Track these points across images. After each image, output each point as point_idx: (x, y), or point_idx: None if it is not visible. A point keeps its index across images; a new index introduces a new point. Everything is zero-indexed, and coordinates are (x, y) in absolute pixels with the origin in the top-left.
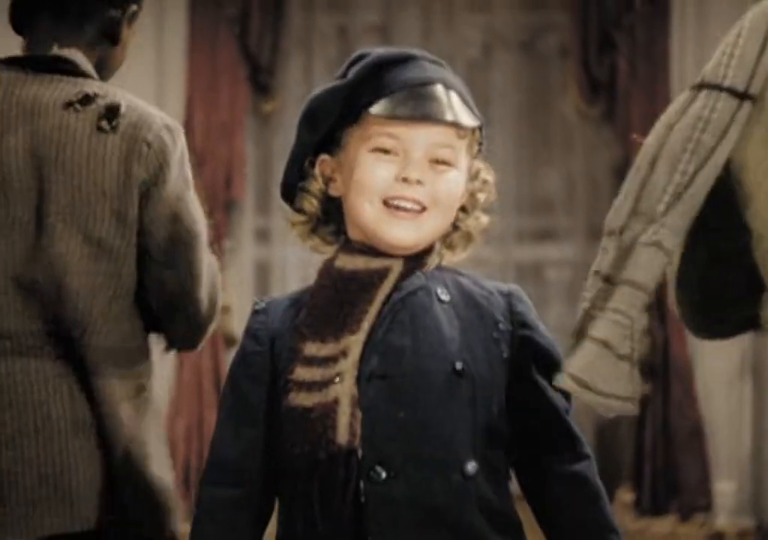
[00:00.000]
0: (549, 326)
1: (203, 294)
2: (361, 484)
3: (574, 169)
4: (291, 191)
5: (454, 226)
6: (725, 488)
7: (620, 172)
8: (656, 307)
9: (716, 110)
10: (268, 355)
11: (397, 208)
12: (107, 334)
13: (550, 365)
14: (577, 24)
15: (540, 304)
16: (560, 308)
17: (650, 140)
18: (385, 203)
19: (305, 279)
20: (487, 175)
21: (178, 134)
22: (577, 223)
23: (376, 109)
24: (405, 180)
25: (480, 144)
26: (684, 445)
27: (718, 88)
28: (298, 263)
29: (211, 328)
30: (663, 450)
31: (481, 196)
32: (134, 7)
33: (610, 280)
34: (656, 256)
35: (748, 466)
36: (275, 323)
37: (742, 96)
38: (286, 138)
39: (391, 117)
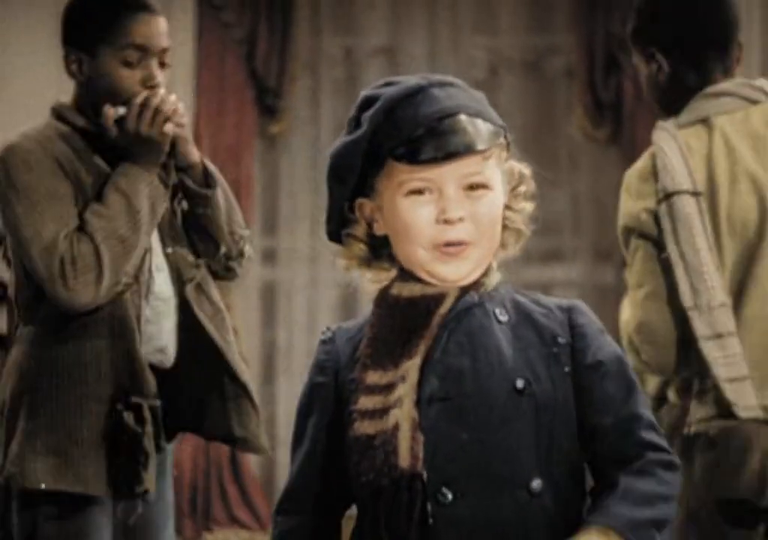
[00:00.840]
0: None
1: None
2: (429, 507)
3: (581, 191)
4: (337, 236)
5: (503, 226)
6: None
7: None
8: None
9: None
10: (333, 386)
11: (447, 250)
12: None
13: (620, 379)
14: (583, 46)
15: None
16: None
17: None
18: (435, 247)
19: (311, 299)
20: (523, 169)
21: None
22: (583, 243)
23: (400, 156)
24: (446, 222)
25: (508, 144)
26: None
27: None
28: (305, 284)
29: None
30: None
31: (522, 190)
32: None
33: None
34: None
35: None
36: (341, 353)
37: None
38: (292, 159)
39: (418, 163)
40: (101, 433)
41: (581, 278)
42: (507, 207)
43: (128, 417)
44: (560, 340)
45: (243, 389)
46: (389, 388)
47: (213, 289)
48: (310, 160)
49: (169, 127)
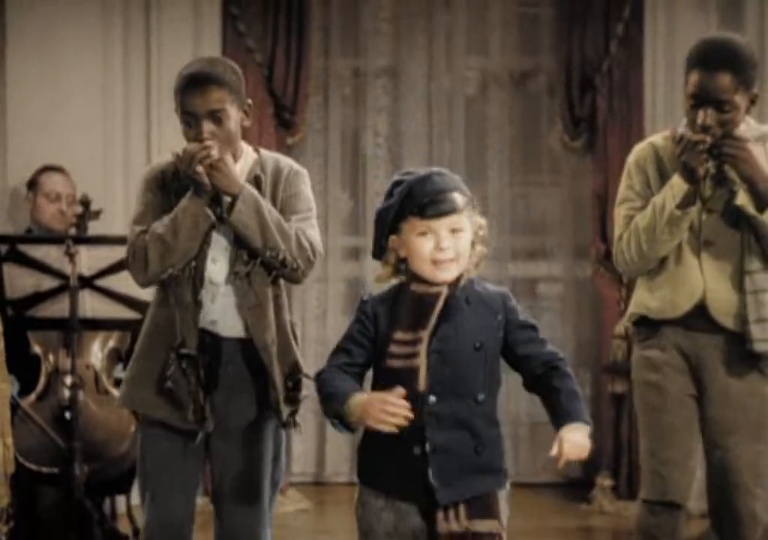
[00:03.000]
0: (546, 330)
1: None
2: (424, 407)
3: (561, 195)
4: (379, 255)
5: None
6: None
7: (601, 197)
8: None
9: None
10: (373, 323)
11: (440, 264)
12: None
13: (530, 330)
14: (562, 68)
15: (533, 315)
16: (551, 318)
17: None
18: (434, 262)
19: (321, 291)
20: (482, 222)
21: None
22: (564, 242)
23: (415, 214)
24: (440, 249)
25: (474, 207)
26: None
27: None
28: (315, 278)
29: None
30: (638, 442)
31: (482, 235)
32: None
33: None
34: None
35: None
36: (376, 307)
37: None
38: (306, 166)
39: (426, 217)
40: (163, 371)
41: (562, 273)
42: (472, 243)
43: (181, 362)
44: (499, 316)
45: (261, 364)
46: (411, 343)
47: (267, 287)
48: (321, 167)
49: (197, 168)
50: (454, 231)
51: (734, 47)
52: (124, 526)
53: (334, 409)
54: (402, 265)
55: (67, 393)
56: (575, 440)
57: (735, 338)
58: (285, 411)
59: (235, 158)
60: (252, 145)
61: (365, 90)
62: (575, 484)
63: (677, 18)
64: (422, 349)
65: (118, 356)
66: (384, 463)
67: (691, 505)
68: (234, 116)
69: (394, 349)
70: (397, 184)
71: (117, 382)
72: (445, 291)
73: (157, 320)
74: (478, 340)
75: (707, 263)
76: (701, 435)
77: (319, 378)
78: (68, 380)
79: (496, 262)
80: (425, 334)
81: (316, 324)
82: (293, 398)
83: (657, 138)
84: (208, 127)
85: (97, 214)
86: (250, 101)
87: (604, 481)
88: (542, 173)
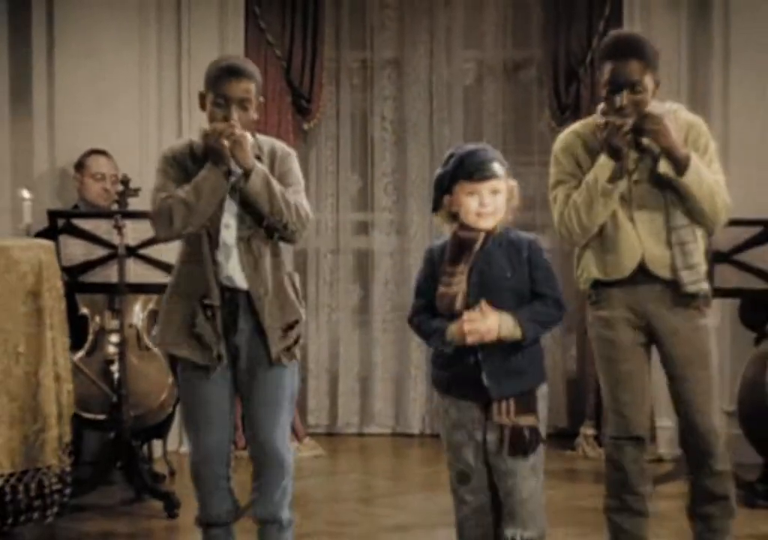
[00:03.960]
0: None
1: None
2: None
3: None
4: (436, 210)
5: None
6: (665, 424)
7: None
8: None
9: None
10: (431, 264)
11: (482, 216)
12: None
13: (544, 270)
14: (550, 61)
15: None
16: None
17: None
18: (478, 215)
19: (332, 260)
20: (514, 183)
21: None
22: (551, 217)
23: (465, 178)
24: (483, 205)
25: (509, 173)
26: None
27: None
28: (327, 250)
29: None
30: None
31: (514, 193)
32: None
33: None
34: None
35: None
36: (435, 254)
37: None
38: (319, 150)
39: (473, 180)
40: (187, 320)
41: (549, 245)
42: (507, 200)
43: (206, 311)
44: (524, 254)
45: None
46: (456, 275)
47: (265, 247)
48: (333, 150)
49: (224, 142)
50: (493, 192)
51: (638, 38)
52: (160, 468)
53: (436, 341)
54: (452, 218)
55: (111, 349)
56: (480, 325)
57: (671, 285)
58: (279, 345)
59: None
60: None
61: (373, 80)
62: (562, 434)
63: (651, 17)
64: (463, 279)
65: (156, 317)
66: (449, 372)
67: (663, 451)
68: (253, 107)
69: (444, 278)
70: (451, 156)
71: None
72: (482, 236)
73: (181, 274)
74: (507, 272)
75: (640, 226)
76: (664, 369)
77: (413, 322)
78: (113, 338)
79: None
80: (466, 268)
81: (328, 290)
82: (286, 338)
83: (577, 126)
84: (235, 110)
85: (135, 191)
86: (263, 99)
87: (587, 430)
88: (532, 154)
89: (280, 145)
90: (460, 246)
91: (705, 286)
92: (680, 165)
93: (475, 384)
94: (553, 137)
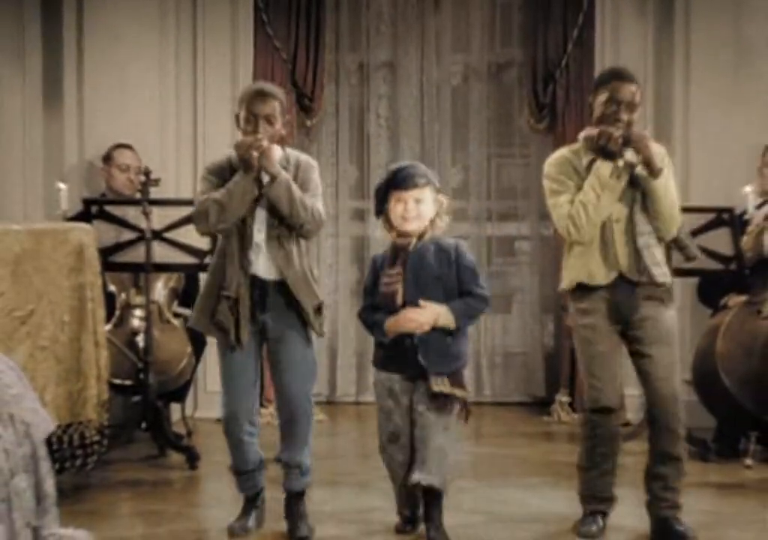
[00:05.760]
0: (517, 279)
1: None
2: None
3: (529, 166)
4: (378, 216)
5: (431, 222)
6: (631, 393)
7: None
8: None
9: None
10: (376, 270)
11: (406, 220)
12: None
13: (470, 270)
14: (529, 63)
15: (511, 266)
16: (522, 269)
17: None
18: (402, 218)
19: (333, 245)
20: (444, 200)
21: None
22: (532, 206)
23: (394, 188)
24: (407, 210)
25: (437, 190)
26: None
27: None
28: (327, 235)
29: None
30: None
31: (443, 207)
32: None
33: None
34: None
35: None
36: (378, 260)
37: None
38: (321, 144)
39: (400, 189)
40: (217, 306)
41: (530, 232)
42: (437, 213)
43: (227, 302)
44: (451, 257)
45: (292, 296)
46: (394, 275)
47: (291, 243)
48: (333, 144)
49: (253, 154)
50: (417, 200)
51: (630, 71)
52: (178, 429)
53: (377, 332)
54: (390, 225)
55: (136, 323)
56: (418, 317)
57: (642, 284)
58: (315, 323)
59: None
60: (280, 145)
61: (369, 80)
62: (539, 402)
63: (621, 25)
64: (401, 279)
65: (176, 294)
66: (388, 352)
67: (630, 416)
68: (279, 123)
69: (385, 279)
70: (388, 172)
71: (175, 315)
72: (414, 241)
73: (214, 268)
74: (436, 272)
75: (617, 236)
76: (631, 349)
77: (361, 316)
78: (138, 312)
79: (476, 222)
80: (402, 269)
81: (329, 271)
82: (318, 315)
83: (564, 151)
84: (263, 126)
85: (156, 182)
86: (289, 116)
87: (562, 398)
88: (514, 148)
89: (305, 158)
90: (396, 251)
91: (669, 279)
92: (654, 173)
93: (408, 362)
94: (531, 133)
